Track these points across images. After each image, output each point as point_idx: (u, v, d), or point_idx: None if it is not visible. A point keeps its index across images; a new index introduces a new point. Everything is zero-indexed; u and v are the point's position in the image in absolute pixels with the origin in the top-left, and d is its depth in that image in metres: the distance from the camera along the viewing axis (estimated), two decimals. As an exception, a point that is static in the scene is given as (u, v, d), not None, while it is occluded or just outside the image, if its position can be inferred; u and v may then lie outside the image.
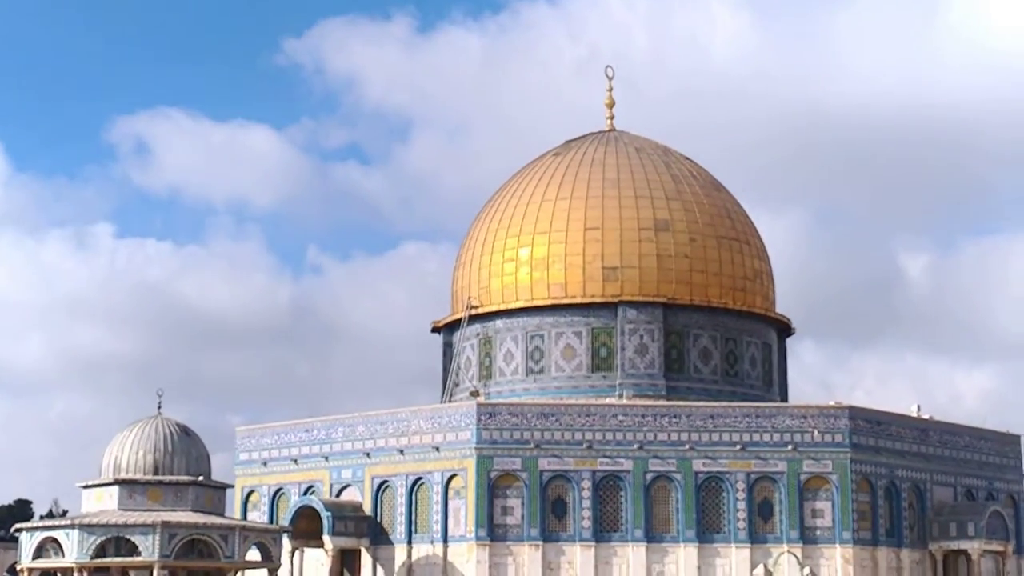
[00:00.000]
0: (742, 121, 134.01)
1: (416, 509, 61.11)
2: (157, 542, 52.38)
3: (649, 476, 59.34)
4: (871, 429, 61.65)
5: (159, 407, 57.27)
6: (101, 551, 52.99)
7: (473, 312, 70.55)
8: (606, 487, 59.43)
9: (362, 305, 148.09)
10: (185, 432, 56.76)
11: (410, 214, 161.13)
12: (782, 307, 74.31)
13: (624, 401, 63.81)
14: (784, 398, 72.62)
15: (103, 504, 54.71)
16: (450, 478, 60.01)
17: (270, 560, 56.62)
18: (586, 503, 59.05)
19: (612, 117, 76.25)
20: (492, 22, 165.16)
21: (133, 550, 52.91)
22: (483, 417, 59.59)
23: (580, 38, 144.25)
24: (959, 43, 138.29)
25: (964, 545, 62.94)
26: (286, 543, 60.55)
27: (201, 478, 55.61)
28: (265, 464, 66.82)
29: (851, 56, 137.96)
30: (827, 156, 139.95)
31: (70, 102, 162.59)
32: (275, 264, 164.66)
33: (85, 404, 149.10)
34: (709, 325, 69.27)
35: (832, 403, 61.71)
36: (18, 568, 56.38)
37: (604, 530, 59.10)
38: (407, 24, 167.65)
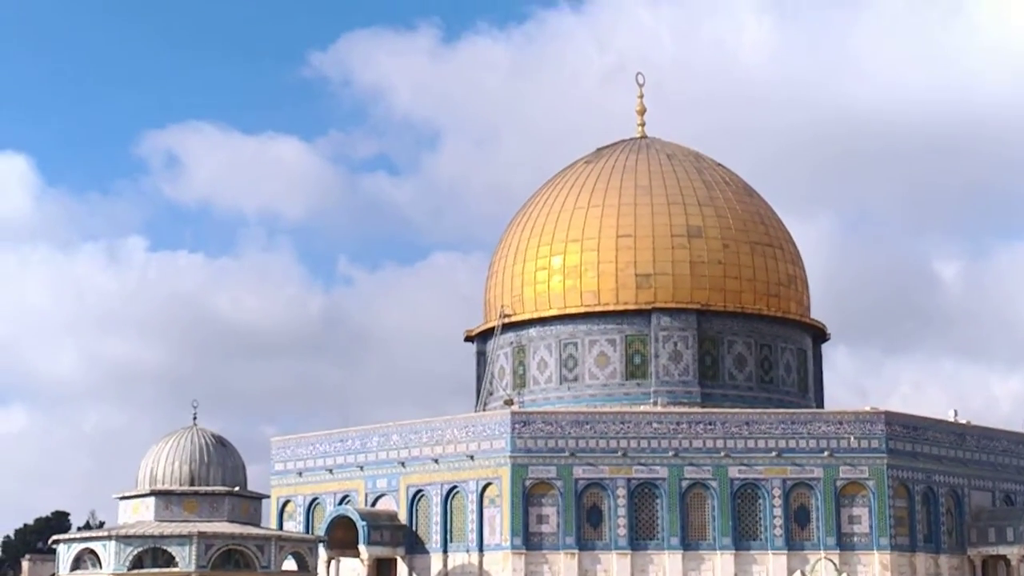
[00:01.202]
0: (771, 126, 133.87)
1: (451, 518, 61.04)
2: (194, 553, 52.46)
3: (685, 483, 59.10)
4: (907, 434, 61.25)
5: (194, 418, 57.41)
6: (138, 562, 53.11)
7: (506, 321, 70.48)
8: (641, 495, 59.23)
9: (393, 315, 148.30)
10: (220, 443, 56.87)
11: (440, 224, 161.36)
12: (816, 313, 74.01)
13: (659, 408, 63.58)
14: (820, 404, 72.25)
15: (139, 515, 54.86)
16: (485, 487, 59.92)
17: (306, 570, 56.64)
18: (621, 511, 58.85)
19: (643, 124, 76.14)
20: (518, 31, 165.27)
21: (170, 561, 53.00)
22: (517, 426, 59.49)
23: (607, 46, 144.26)
24: (986, 45, 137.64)
25: (1003, 550, 62.45)
26: (322, 553, 60.56)
27: (237, 488, 55.70)
28: (300, 474, 66.89)
29: (878, 60, 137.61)
30: (857, 161, 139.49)
31: (101, 116, 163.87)
32: (306, 275, 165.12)
33: (119, 416, 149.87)
34: (743, 331, 68.99)
35: (868, 408, 61.34)
36: (56, 579, 56.57)
37: (640, 538, 58.89)
38: (432, 35, 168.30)
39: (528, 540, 58.59)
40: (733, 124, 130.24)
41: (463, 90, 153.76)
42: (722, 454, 59.20)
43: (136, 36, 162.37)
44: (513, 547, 58.46)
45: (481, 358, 73.77)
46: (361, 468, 64.42)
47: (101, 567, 53.49)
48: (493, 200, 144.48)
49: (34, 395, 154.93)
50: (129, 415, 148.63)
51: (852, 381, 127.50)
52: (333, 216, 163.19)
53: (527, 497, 58.91)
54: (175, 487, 54.88)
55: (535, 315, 69.70)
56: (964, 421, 65.84)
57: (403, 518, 62.19)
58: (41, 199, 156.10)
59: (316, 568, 57.82)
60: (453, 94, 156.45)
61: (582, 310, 68.50)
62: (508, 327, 70.69)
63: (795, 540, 58.90)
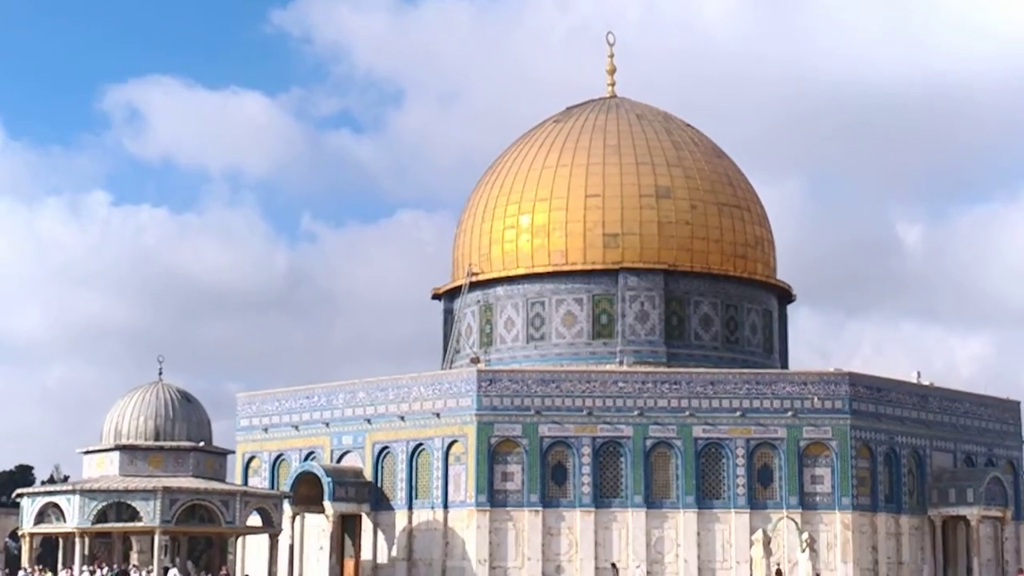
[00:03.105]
0: (736, 91, 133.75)
1: (417, 475, 61.11)
2: (158, 508, 52.38)
3: (649, 442, 59.30)
4: (871, 395, 61.59)
5: (160, 373, 57.30)
6: (102, 516, 53.04)
7: (474, 279, 70.39)
8: (606, 453, 59.40)
9: (358, 273, 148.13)
10: (186, 398, 56.73)
11: (405, 182, 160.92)
12: (782, 275, 74.17)
13: (624, 368, 63.72)
14: (784, 365, 72.55)
15: (104, 470, 54.74)
16: (450, 444, 59.98)
17: (271, 525, 56.67)
18: (586, 469, 59.02)
19: (613, 84, 75.98)
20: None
21: (134, 515, 52.94)
22: (483, 384, 59.52)
23: (570, 6, 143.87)
24: (952, 17, 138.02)
25: (963, 511, 62.97)
26: (287, 509, 60.59)
27: (202, 444, 55.62)
28: (266, 430, 66.80)
29: (844, 27, 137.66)
30: (823, 125, 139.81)
31: (63, 70, 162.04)
32: (270, 232, 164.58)
33: (84, 371, 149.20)
34: (710, 292, 69.11)
35: (832, 370, 61.63)
36: (20, 533, 56.48)
37: (604, 496, 59.10)
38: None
39: (493, 497, 58.72)
40: (696, 88, 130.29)
41: (426, 48, 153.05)
42: (686, 413, 59.39)
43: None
44: (478, 504, 58.59)
45: (448, 316, 73.71)
46: (327, 425, 64.38)
47: (65, 521, 53.39)
48: (458, 158, 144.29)
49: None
50: (94, 370, 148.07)
51: (815, 342, 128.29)
52: (297, 173, 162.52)
53: (492, 455, 59.00)
54: (140, 442, 54.76)
55: (503, 274, 69.63)
56: (927, 383, 66.23)
57: (368, 475, 62.21)
58: (2, 153, 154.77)
59: (281, 524, 57.87)
60: (416, 52, 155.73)
61: (549, 269, 68.46)
62: (475, 285, 70.61)
63: (758, 499, 59.23)
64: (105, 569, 54.02)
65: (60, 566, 56.40)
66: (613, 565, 57.90)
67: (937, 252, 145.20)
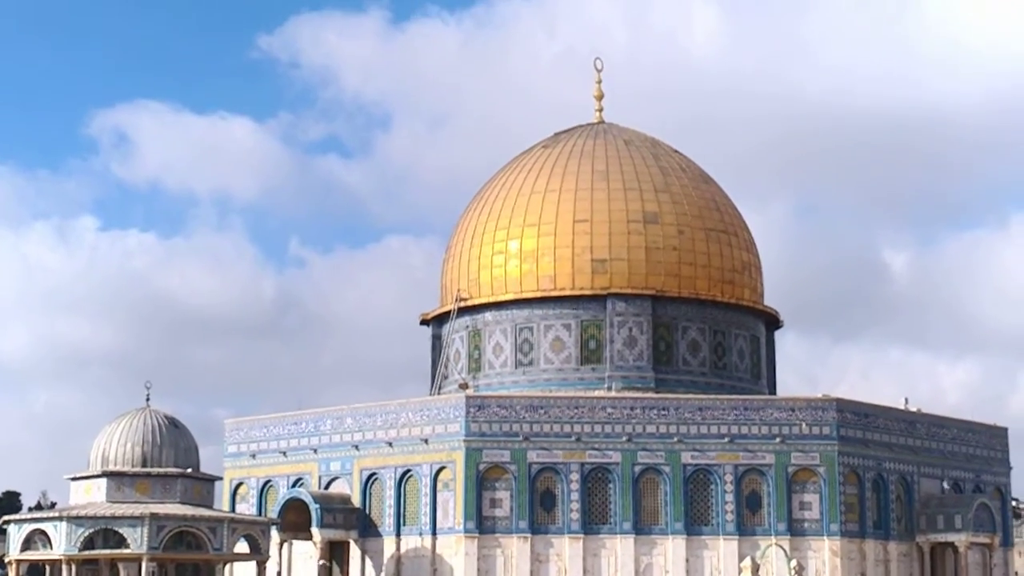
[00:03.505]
0: (723, 116, 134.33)
1: (405, 501, 60.93)
2: (145, 534, 52.12)
3: (637, 468, 59.23)
4: (859, 422, 61.62)
5: (147, 399, 57.04)
6: (89, 543, 52.73)
7: (462, 304, 70.36)
8: (595, 479, 59.30)
9: (346, 298, 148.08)
10: (173, 424, 56.50)
11: (393, 207, 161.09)
12: (769, 300, 74.23)
13: (613, 393, 63.68)
14: (772, 391, 72.58)
15: (91, 496, 54.45)
16: (439, 470, 59.83)
17: (259, 552, 56.41)
18: (575, 495, 58.92)
19: (601, 109, 76.13)
20: (467, 15, 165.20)
21: (121, 542, 52.64)
22: (472, 409, 59.42)
23: (557, 33, 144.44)
24: (936, 39, 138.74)
25: (951, 537, 62.95)
26: (275, 535, 60.33)
27: (189, 470, 55.36)
28: (254, 456, 66.59)
29: (829, 52, 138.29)
30: (810, 150, 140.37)
31: (51, 94, 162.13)
32: (258, 256, 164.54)
33: (71, 396, 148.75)
34: (698, 317, 69.14)
35: (820, 395, 61.64)
36: (6, 560, 56.12)
37: (592, 522, 58.97)
38: (381, 16, 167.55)
39: (481, 524, 58.58)
40: (683, 114, 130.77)
41: (414, 73, 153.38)
42: (675, 439, 59.34)
43: (86, 14, 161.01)
44: (466, 531, 58.43)
45: (436, 342, 73.61)
46: (315, 451, 64.20)
47: (52, 548, 53.09)
48: (446, 183, 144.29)
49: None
50: (81, 395, 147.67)
51: (802, 368, 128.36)
52: (285, 197, 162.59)
53: (481, 481, 58.88)
54: (127, 468, 54.49)
55: (491, 299, 69.61)
56: (914, 409, 66.26)
57: (356, 501, 62.03)
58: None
59: (268, 550, 57.60)
60: (404, 76, 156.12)
61: (538, 294, 68.46)
62: (464, 311, 70.57)
63: (746, 526, 59.17)
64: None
65: (46, 593, 56.06)
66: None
67: (924, 278, 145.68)
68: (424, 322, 75.39)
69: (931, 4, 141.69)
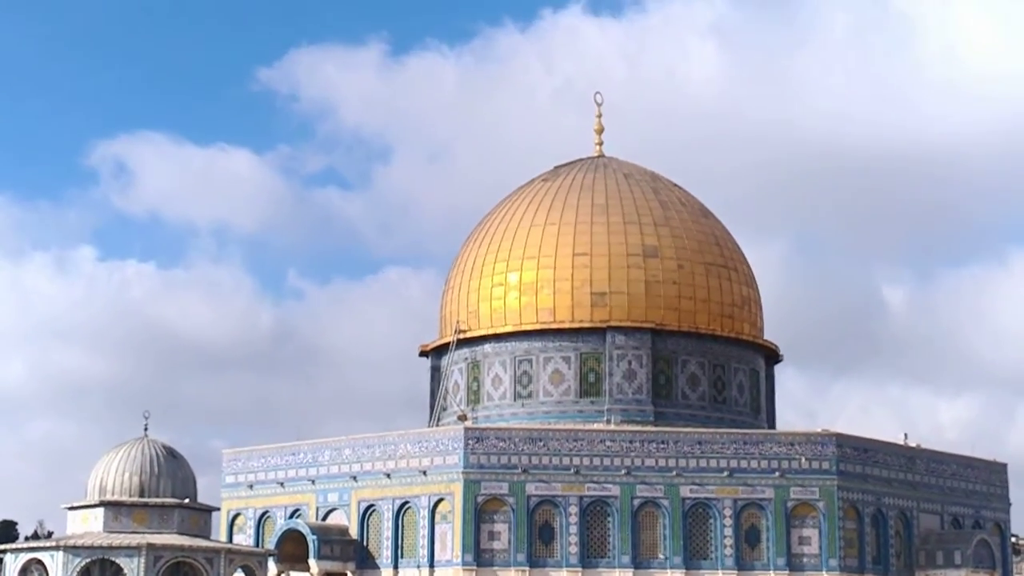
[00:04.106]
0: (723, 151, 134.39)
1: (403, 533, 60.69)
2: (142, 564, 51.81)
3: (636, 502, 59.03)
4: (858, 456, 61.43)
5: (145, 429, 56.70)
6: (86, 573, 52.40)
7: (461, 336, 70.25)
8: (593, 513, 59.07)
9: (344, 329, 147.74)
10: (171, 454, 56.21)
11: (391, 239, 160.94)
12: (768, 334, 74.12)
13: (612, 427, 63.53)
14: (771, 425, 72.37)
15: (88, 526, 54.14)
16: (437, 502, 59.61)
17: (255, 583, 56.05)
18: (573, 528, 58.68)
19: (601, 143, 76.17)
20: (466, 49, 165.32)
21: (118, 572, 52.33)
22: (470, 441, 59.23)
23: (555, 66, 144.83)
24: (930, 77, 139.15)
25: (951, 574, 62.70)
26: (272, 566, 60.07)
27: (187, 500, 55.04)
28: (251, 487, 66.35)
29: (825, 89, 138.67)
30: (809, 186, 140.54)
31: (51, 125, 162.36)
32: (256, 287, 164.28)
33: (69, 426, 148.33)
34: (697, 351, 69.03)
35: (819, 430, 61.49)
36: (2, 590, 55.83)
37: (591, 556, 58.71)
38: (380, 50, 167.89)
39: (479, 556, 58.31)
40: (681, 150, 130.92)
41: (413, 106, 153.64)
42: (674, 473, 59.15)
43: (86, 46, 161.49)
44: (464, 563, 58.17)
45: (435, 373, 73.47)
46: (312, 482, 63.97)
47: (48, 577, 52.79)
48: (446, 215, 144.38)
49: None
50: (78, 426, 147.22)
51: (802, 403, 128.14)
52: (283, 229, 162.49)
53: (479, 513, 58.64)
54: (124, 498, 54.17)
55: (490, 331, 69.50)
56: (914, 444, 66.11)
57: (354, 533, 61.77)
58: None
59: (265, 582, 57.26)
60: (403, 109, 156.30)
61: (537, 327, 68.36)
62: (463, 343, 70.44)
63: (745, 560, 58.91)
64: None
65: (42, 623, 55.73)
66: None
67: (923, 314, 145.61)
68: (423, 354, 75.24)
69: (924, 44, 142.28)
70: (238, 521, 66.74)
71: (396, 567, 60.41)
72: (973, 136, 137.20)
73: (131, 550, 51.99)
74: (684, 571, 58.52)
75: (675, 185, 74.49)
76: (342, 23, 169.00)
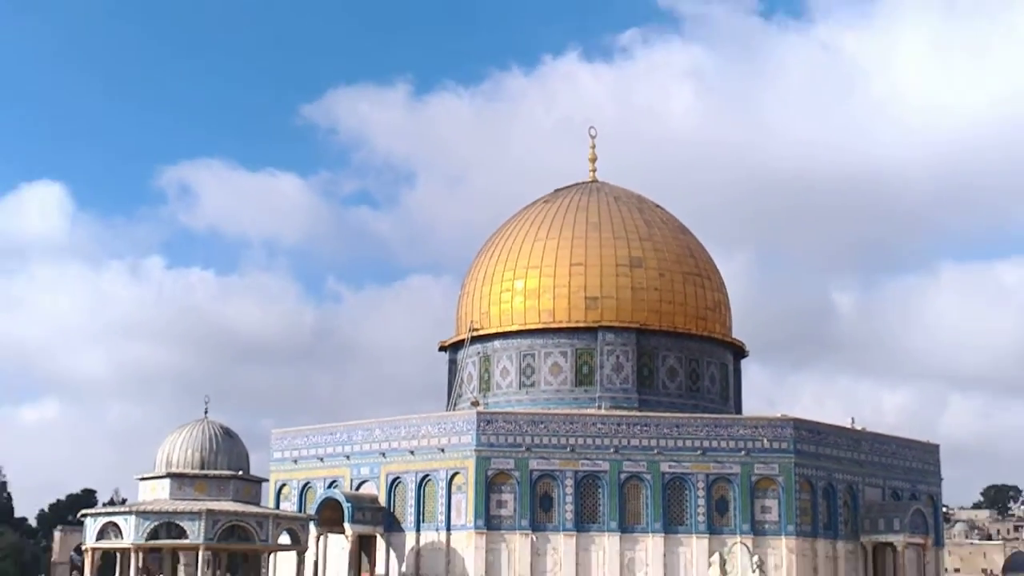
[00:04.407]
0: (698, 175, 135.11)
1: (424, 502, 60.70)
2: (202, 527, 52.04)
3: (623, 476, 59.00)
4: (812, 438, 61.37)
5: (206, 412, 56.96)
6: (154, 534, 52.64)
7: (475, 334, 70.28)
8: (586, 485, 59.08)
9: (375, 328, 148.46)
10: (228, 433, 56.41)
11: (416, 251, 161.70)
12: (736, 333, 74.05)
13: (602, 412, 63.49)
14: (738, 411, 72.25)
15: (157, 494, 54.36)
16: (453, 475, 59.64)
17: (299, 544, 56.23)
18: (569, 498, 58.68)
19: (594, 170, 76.10)
20: (479, 90, 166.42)
21: (182, 534, 52.56)
22: (482, 424, 59.27)
23: (554, 105, 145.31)
24: (880, 115, 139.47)
25: (890, 538, 62.60)
26: (312, 529, 60.14)
27: (241, 473, 55.25)
28: (296, 462, 66.41)
29: (788, 122, 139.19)
30: (771, 207, 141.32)
31: (126, 151, 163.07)
32: (300, 292, 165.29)
33: (138, 410, 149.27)
34: (675, 348, 69.00)
35: (779, 415, 61.43)
36: (83, 548, 55.97)
37: (584, 521, 58.71)
38: (405, 90, 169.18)
39: (489, 522, 58.33)
40: (667, 172, 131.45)
41: (434, 137, 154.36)
42: (655, 452, 59.15)
43: (156, 83, 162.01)
44: (476, 528, 58.19)
45: (452, 365, 73.46)
46: (347, 457, 64.02)
47: (122, 538, 52.97)
48: (462, 231, 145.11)
49: (65, 391, 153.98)
50: (147, 409, 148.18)
51: (764, 392, 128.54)
52: (324, 242, 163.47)
53: (489, 485, 58.65)
54: (187, 470, 54.40)
55: (499, 330, 69.51)
56: (860, 427, 66.02)
57: (383, 501, 61.80)
58: (74, 222, 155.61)
59: (307, 543, 57.39)
60: (426, 140, 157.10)
61: (539, 326, 68.37)
62: (476, 339, 70.48)
63: (716, 526, 58.87)
64: (155, 580, 53.53)
65: (117, 577, 55.88)
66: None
67: (867, 316, 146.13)
68: (442, 348, 75.25)
69: (872, 82, 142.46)
70: (284, 491, 66.75)
71: (418, 530, 60.39)
72: (915, 165, 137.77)
73: (193, 515, 52.27)
74: (663, 535, 58.49)
75: (657, 206, 74.48)
76: (373, 67, 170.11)
